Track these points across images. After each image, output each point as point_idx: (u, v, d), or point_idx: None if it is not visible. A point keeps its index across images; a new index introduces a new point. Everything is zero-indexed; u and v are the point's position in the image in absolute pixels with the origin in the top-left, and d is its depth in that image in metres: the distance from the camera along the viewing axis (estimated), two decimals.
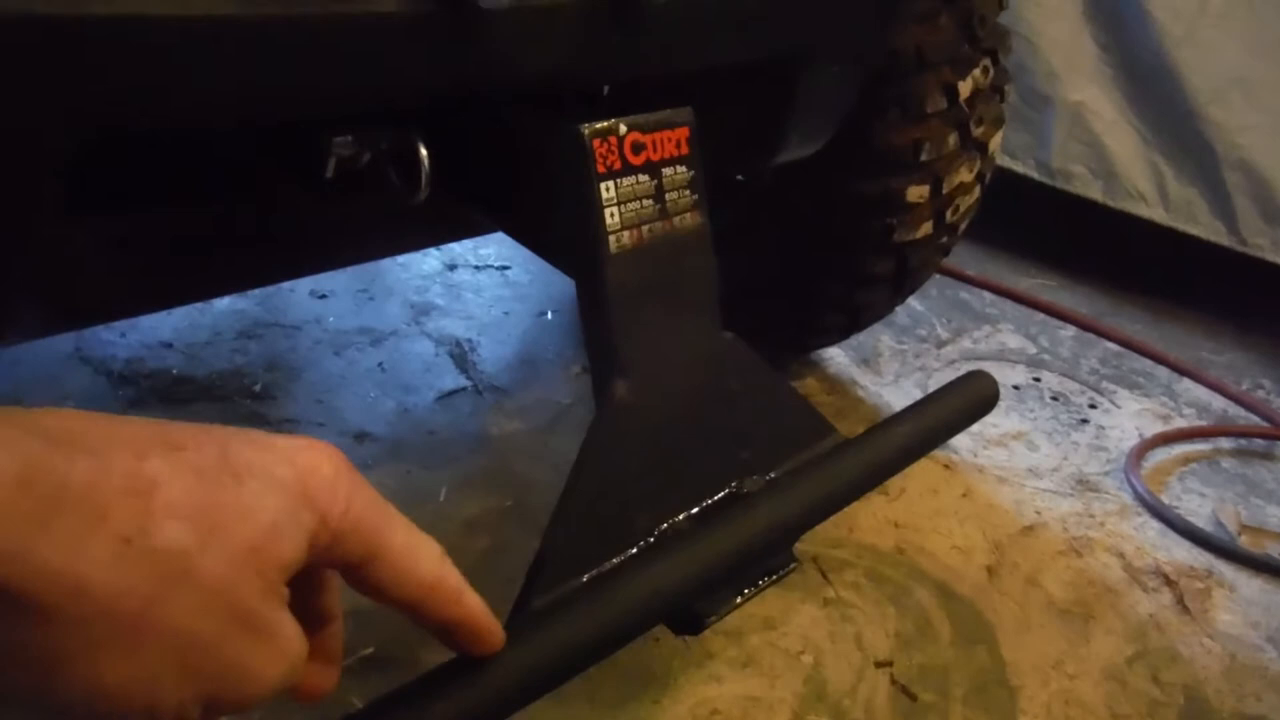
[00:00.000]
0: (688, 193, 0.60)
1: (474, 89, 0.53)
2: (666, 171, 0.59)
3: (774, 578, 0.60)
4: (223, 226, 0.61)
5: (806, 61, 0.78)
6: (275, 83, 0.44)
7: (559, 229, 0.60)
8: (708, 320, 0.63)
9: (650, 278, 0.59)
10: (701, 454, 0.62)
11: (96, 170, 0.46)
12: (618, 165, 0.57)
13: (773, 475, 0.64)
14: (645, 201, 0.58)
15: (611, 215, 0.57)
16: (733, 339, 0.64)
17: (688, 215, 0.60)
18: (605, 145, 0.56)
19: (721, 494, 0.62)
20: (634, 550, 0.56)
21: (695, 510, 0.60)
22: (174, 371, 1.34)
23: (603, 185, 0.56)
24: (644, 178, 0.58)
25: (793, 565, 0.61)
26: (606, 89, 0.61)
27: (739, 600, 0.58)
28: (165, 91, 0.41)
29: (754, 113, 0.83)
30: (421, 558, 0.39)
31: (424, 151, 0.55)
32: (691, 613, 0.57)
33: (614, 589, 0.51)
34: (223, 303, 1.51)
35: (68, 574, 0.28)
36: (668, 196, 0.59)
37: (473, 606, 0.42)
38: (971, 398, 0.71)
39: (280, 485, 0.34)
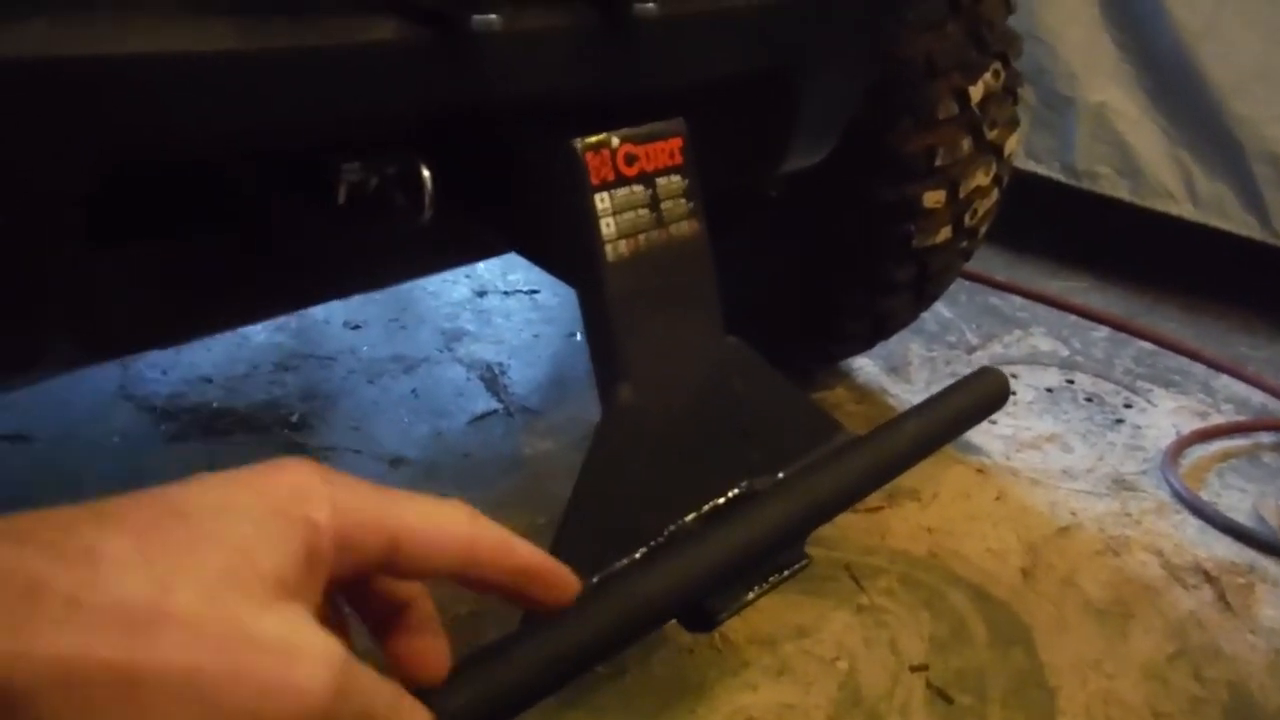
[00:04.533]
0: (683, 201, 0.62)
1: (470, 110, 0.55)
2: (661, 181, 0.61)
3: (785, 574, 0.60)
4: (244, 256, 0.64)
5: (801, 72, 0.79)
6: (275, 113, 0.47)
7: (558, 241, 0.62)
8: (709, 324, 0.64)
9: (649, 284, 0.60)
10: (709, 455, 0.63)
11: (114, 201, 0.49)
12: (611, 177, 0.59)
13: (781, 474, 0.65)
14: (641, 211, 0.60)
15: (607, 225, 0.58)
16: (736, 342, 0.66)
17: (684, 223, 0.62)
18: (598, 158, 0.58)
19: (730, 494, 0.63)
20: (643, 550, 0.58)
21: (704, 510, 0.62)
22: (214, 405, 1.38)
23: (597, 196, 0.58)
24: (638, 188, 0.60)
25: (803, 562, 0.62)
26: (602, 104, 0.63)
27: (750, 596, 0.59)
28: (173, 125, 0.44)
29: (755, 122, 0.85)
30: (445, 522, 0.38)
31: (426, 173, 0.57)
32: (703, 610, 0.58)
33: (623, 588, 0.52)
34: (259, 336, 1.55)
35: (18, 653, 0.27)
36: (663, 205, 0.61)
37: (526, 555, 0.41)
38: (981, 393, 0.72)
39: (238, 507, 0.33)
